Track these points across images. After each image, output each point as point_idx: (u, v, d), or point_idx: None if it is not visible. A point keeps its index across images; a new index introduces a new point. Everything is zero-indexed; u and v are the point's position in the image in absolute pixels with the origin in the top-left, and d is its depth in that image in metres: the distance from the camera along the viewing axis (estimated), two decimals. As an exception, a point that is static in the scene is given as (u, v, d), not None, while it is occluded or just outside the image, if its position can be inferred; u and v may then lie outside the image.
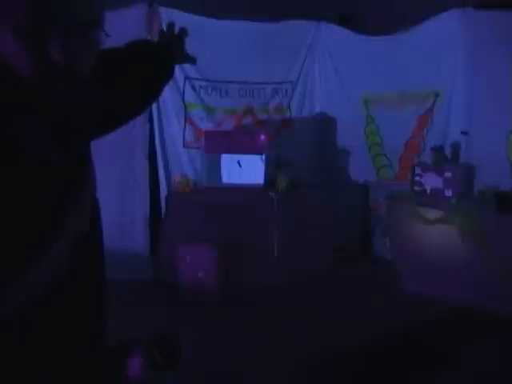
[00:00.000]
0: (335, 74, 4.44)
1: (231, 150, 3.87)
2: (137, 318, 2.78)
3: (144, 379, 0.91)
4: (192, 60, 1.30)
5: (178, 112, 4.09)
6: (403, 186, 3.91)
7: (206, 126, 4.17)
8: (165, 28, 1.27)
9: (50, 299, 0.72)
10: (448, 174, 3.52)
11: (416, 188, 3.66)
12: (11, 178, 0.68)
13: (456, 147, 3.80)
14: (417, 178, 3.67)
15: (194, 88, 4.15)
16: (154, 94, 1.24)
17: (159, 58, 1.19)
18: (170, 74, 1.24)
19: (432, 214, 3.30)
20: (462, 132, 3.73)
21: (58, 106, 0.75)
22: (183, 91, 4.10)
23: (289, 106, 4.48)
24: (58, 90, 0.73)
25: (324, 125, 4.56)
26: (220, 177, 3.88)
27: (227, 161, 3.87)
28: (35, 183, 0.71)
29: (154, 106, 3.92)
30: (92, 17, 0.73)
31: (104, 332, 0.89)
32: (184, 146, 4.19)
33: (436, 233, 3.29)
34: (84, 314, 0.82)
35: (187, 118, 4.16)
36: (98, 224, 0.88)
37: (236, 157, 3.87)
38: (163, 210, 3.93)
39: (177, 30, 1.25)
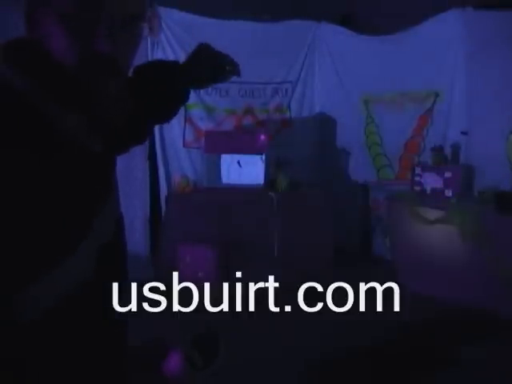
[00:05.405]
0: (335, 74, 4.44)
1: (231, 150, 3.86)
2: (136, 317, 2.78)
3: (182, 379, 0.90)
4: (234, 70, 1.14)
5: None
6: (403, 186, 3.90)
7: (206, 125, 4.17)
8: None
9: (75, 299, 0.72)
10: (448, 174, 3.51)
11: (416, 188, 3.66)
12: (49, 169, 0.67)
13: (456, 147, 3.80)
14: (417, 178, 3.66)
15: (194, 88, 4.14)
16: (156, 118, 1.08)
17: (170, 81, 1.04)
18: (180, 101, 1.10)
19: (432, 213, 3.29)
20: (462, 132, 3.72)
21: (96, 98, 0.74)
22: (183, 91, 4.09)
23: (289, 106, 4.48)
24: (98, 80, 0.72)
25: (324, 125, 4.56)
26: (220, 177, 3.87)
27: (227, 161, 3.86)
28: (71, 178, 0.71)
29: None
30: (137, 9, 0.74)
31: (126, 332, 0.90)
32: (184, 146, 4.19)
33: (436, 233, 3.28)
34: (108, 315, 0.82)
35: (187, 118, 4.16)
36: (122, 232, 0.88)
37: (236, 157, 3.87)
38: (163, 210, 3.93)
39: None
